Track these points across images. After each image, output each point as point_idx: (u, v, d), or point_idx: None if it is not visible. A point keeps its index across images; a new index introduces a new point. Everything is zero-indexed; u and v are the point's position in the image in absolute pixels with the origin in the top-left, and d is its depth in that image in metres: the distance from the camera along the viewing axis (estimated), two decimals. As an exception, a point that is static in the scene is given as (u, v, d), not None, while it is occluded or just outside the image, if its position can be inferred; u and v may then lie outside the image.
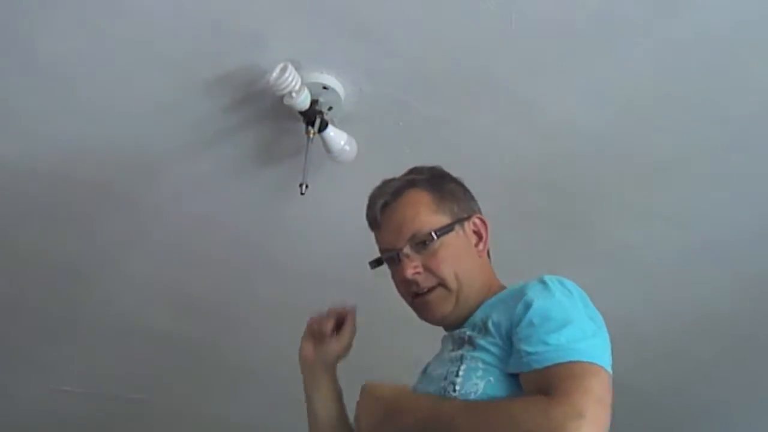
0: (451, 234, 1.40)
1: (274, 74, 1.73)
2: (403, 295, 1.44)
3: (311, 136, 1.86)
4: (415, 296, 1.41)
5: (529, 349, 1.20)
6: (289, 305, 2.60)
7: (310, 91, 1.81)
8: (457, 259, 1.39)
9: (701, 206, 2.23)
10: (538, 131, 1.99)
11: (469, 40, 1.75)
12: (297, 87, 1.76)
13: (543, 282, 1.32)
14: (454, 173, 2.11)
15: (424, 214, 1.40)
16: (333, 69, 1.82)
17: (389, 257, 1.43)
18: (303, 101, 1.79)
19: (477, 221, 1.46)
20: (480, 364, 1.26)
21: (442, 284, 1.38)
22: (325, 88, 1.83)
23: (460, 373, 1.26)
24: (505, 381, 1.23)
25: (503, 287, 1.45)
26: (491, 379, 1.24)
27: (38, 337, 2.72)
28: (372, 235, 1.49)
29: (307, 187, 1.90)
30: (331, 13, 1.69)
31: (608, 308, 2.63)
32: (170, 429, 3.25)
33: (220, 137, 2.00)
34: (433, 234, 1.37)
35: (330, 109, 1.87)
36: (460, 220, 1.42)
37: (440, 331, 1.47)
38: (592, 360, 1.17)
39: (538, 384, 1.16)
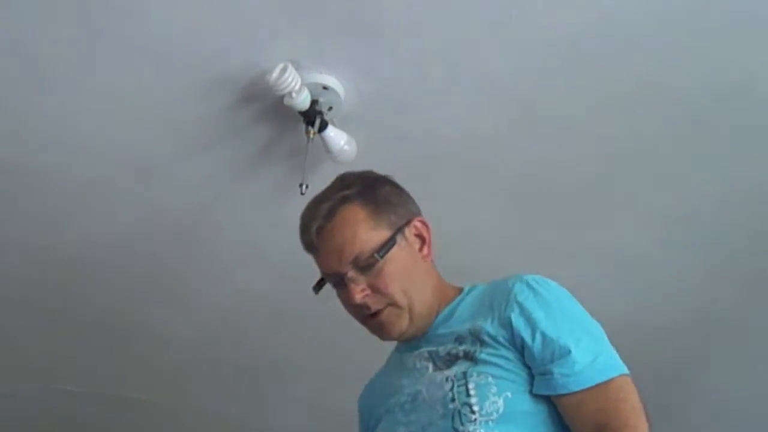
0: (394, 248, 1.33)
1: (274, 74, 1.73)
2: (353, 315, 1.38)
3: (311, 136, 1.87)
4: (366, 317, 1.36)
5: (563, 370, 1.20)
6: (289, 305, 2.60)
7: (310, 91, 1.81)
8: (404, 273, 1.33)
9: (700, 206, 2.23)
10: (538, 131, 1.99)
11: (470, 40, 1.75)
12: (297, 87, 1.76)
13: (529, 286, 1.29)
14: (454, 174, 2.14)
15: (363, 232, 1.32)
16: (333, 69, 1.82)
17: (333, 280, 1.37)
18: (303, 101, 1.79)
19: (418, 224, 1.39)
20: (490, 379, 1.22)
21: (392, 303, 1.33)
22: (325, 88, 1.84)
23: (472, 392, 1.22)
24: (524, 394, 1.23)
25: (459, 288, 1.42)
26: (509, 394, 1.21)
27: (38, 337, 2.72)
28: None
29: (307, 187, 1.90)
30: (331, 13, 1.69)
31: (607, 307, 2.64)
32: (170, 429, 3.25)
33: (220, 137, 2.00)
34: (376, 255, 1.30)
35: (330, 109, 1.87)
36: (400, 229, 1.35)
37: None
38: (619, 371, 1.22)
39: (580, 406, 1.19)
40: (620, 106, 1.93)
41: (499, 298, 1.29)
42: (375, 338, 2.54)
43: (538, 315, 1.24)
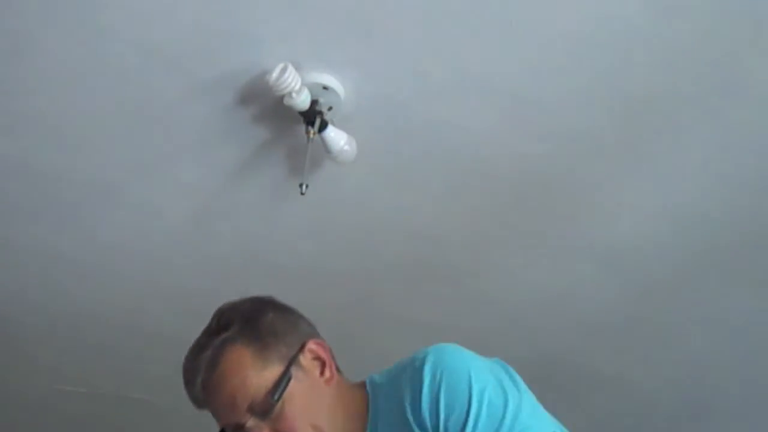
0: (291, 383, 1.21)
1: (274, 74, 1.73)
2: None
3: (311, 136, 1.87)
4: None
5: None
6: (288, 305, 2.61)
7: (310, 91, 1.81)
8: (307, 407, 1.22)
9: (703, 206, 2.23)
10: (538, 131, 1.99)
11: (470, 40, 1.75)
12: (297, 87, 1.76)
13: (433, 378, 1.18)
14: (455, 174, 2.14)
15: (253, 376, 1.21)
16: (333, 69, 1.82)
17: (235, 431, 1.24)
18: (303, 101, 1.79)
19: (313, 347, 1.27)
20: None
21: None
22: (325, 88, 1.83)
23: None
24: None
25: (362, 388, 1.31)
26: None
27: (38, 337, 2.72)
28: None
29: (307, 187, 1.90)
30: (331, 13, 1.69)
31: (608, 307, 2.63)
32: (170, 429, 3.25)
33: (220, 137, 2.00)
34: (271, 399, 1.19)
35: (330, 109, 1.87)
36: (293, 360, 1.24)
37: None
38: None
39: None
40: (619, 106, 1.93)
41: (413, 404, 1.19)
42: (372, 339, 2.55)
43: (443, 409, 1.16)
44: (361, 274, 2.47)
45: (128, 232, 2.30)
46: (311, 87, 1.81)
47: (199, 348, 1.27)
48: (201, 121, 1.95)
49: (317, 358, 1.28)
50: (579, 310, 2.61)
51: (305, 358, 1.26)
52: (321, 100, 1.85)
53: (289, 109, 1.83)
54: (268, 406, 1.19)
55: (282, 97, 1.78)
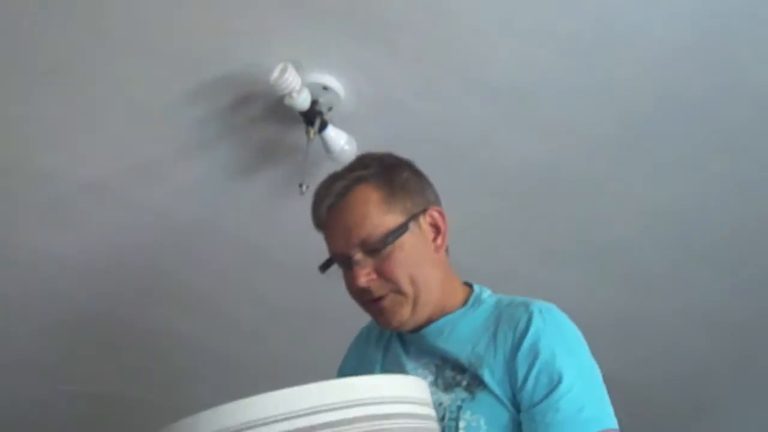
0: (406, 234, 1.28)
1: (274, 74, 1.74)
2: (354, 298, 1.33)
3: (311, 136, 1.87)
4: (368, 302, 1.31)
5: (545, 418, 1.15)
6: (289, 305, 2.61)
7: (310, 91, 1.81)
8: (412, 260, 1.28)
9: (701, 205, 2.23)
10: (538, 131, 2.00)
11: (469, 40, 1.76)
12: (297, 87, 1.76)
13: (544, 320, 1.25)
14: (454, 173, 2.14)
15: (374, 215, 1.27)
16: (333, 69, 1.82)
17: (340, 260, 1.32)
18: (303, 101, 1.80)
19: (434, 214, 1.34)
20: (482, 423, 1.19)
21: (396, 290, 1.28)
22: (325, 88, 1.84)
23: (460, 429, 1.20)
24: None
25: (468, 290, 1.37)
26: None
27: (38, 337, 2.72)
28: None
29: (307, 187, 1.91)
30: (332, 13, 1.70)
31: (607, 306, 2.64)
32: (170, 429, 3.25)
33: (220, 137, 2.00)
34: (384, 239, 1.26)
35: (330, 109, 1.87)
36: (414, 216, 1.30)
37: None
38: (601, 426, 1.17)
39: None
40: (619, 105, 1.93)
41: (505, 332, 1.24)
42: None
43: (541, 357, 1.20)
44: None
45: (128, 232, 2.30)
46: (311, 87, 1.82)
47: (336, 177, 1.34)
48: (201, 121, 1.96)
49: (434, 224, 1.34)
50: (579, 309, 2.60)
51: (424, 220, 1.33)
52: (321, 100, 1.85)
53: (289, 109, 1.83)
54: (379, 245, 1.26)
55: (282, 97, 1.79)
